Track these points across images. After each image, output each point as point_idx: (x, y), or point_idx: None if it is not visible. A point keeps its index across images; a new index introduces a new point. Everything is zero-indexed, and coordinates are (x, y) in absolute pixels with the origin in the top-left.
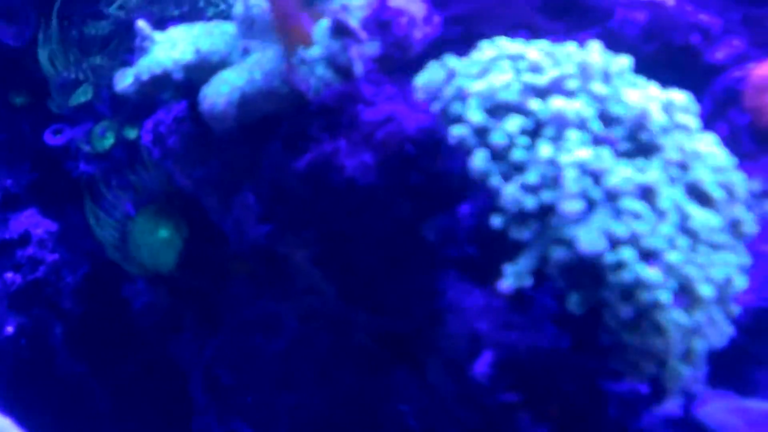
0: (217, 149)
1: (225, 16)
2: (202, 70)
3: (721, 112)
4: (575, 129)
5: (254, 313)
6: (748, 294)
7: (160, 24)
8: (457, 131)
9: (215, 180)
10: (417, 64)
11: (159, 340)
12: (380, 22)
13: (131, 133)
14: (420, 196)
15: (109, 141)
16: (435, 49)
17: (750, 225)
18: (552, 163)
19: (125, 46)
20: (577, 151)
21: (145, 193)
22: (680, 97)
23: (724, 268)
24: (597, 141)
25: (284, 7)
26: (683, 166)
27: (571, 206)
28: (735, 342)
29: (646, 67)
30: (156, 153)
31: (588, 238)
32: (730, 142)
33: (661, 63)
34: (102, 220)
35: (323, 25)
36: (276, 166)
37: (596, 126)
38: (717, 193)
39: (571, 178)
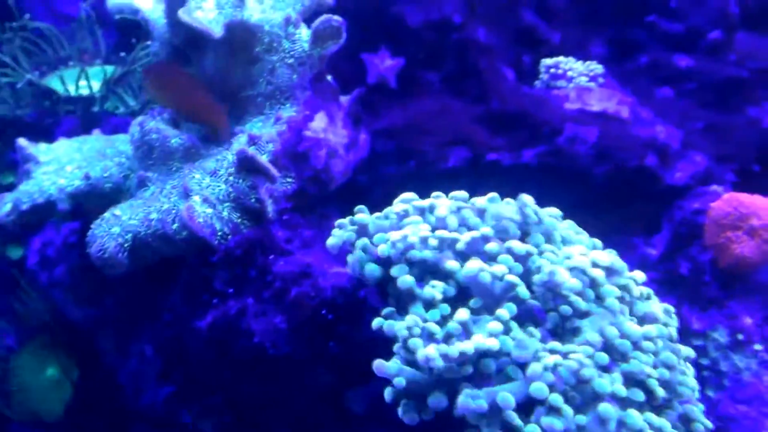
0: (112, 288)
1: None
2: (93, 197)
3: (681, 247)
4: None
5: None
6: None
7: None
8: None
9: (111, 321)
10: (340, 196)
11: None
12: (296, 154)
13: (15, 253)
14: (341, 365)
15: None
16: (364, 170)
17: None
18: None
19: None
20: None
21: (30, 322)
22: (606, 257)
23: None
24: (522, 312)
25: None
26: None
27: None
28: None
29: (599, 192)
30: (43, 279)
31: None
32: (693, 283)
33: (616, 186)
34: None
35: (229, 159)
36: (176, 321)
37: (522, 293)
38: (658, 391)
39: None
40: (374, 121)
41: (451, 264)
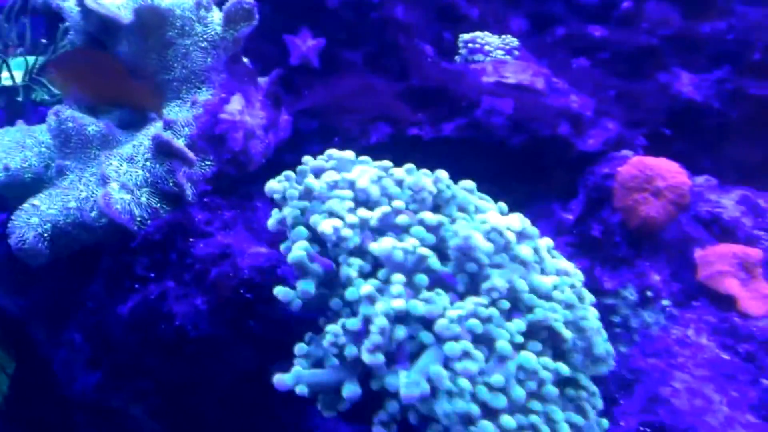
0: (39, 277)
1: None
2: (13, 188)
3: (593, 210)
4: (400, 272)
5: None
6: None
7: None
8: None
9: (41, 311)
10: (265, 175)
11: None
12: (213, 137)
13: None
14: (263, 344)
15: None
16: (289, 149)
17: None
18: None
19: None
20: (393, 300)
21: None
22: (517, 222)
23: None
24: (434, 281)
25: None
26: (520, 304)
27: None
28: None
29: (517, 161)
30: None
31: (407, 384)
32: (605, 244)
33: (532, 155)
34: None
35: (146, 145)
36: (100, 308)
37: (433, 263)
38: (565, 334)
39: (376, 331)
40: (298, 101)
41: (373, 246)
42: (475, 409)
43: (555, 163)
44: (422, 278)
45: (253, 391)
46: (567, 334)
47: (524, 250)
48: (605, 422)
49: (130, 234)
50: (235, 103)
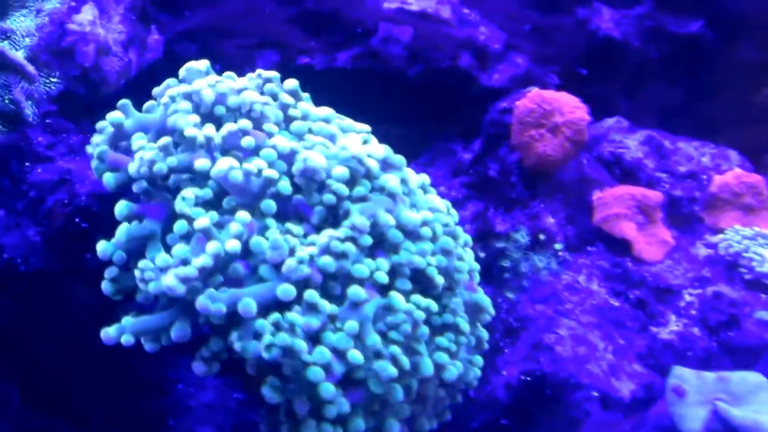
0: None
1: None
2: None
3: (491, 148)
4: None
5: None
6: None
7: None
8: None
9: None
10: (132, 99)
11: None
12: (59, 50)
13: None
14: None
15: None
16: (162, 74)
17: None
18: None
19: None
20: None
21: None
22: (380, 150)
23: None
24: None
25: None
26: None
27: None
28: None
29: (416, 96)
30: None
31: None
32: (500, 184)
33: (431, 89)
34: None
35: None
36: None
37: (283, 188)
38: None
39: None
40: (177, 22)
41: (201, 163)
42: (300, 344)
43: (457, 98)
44: (269, 204)
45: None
46: (439, 279)
47: (391, 181)
48: (479, 359)
49: None
50: (86, 13)
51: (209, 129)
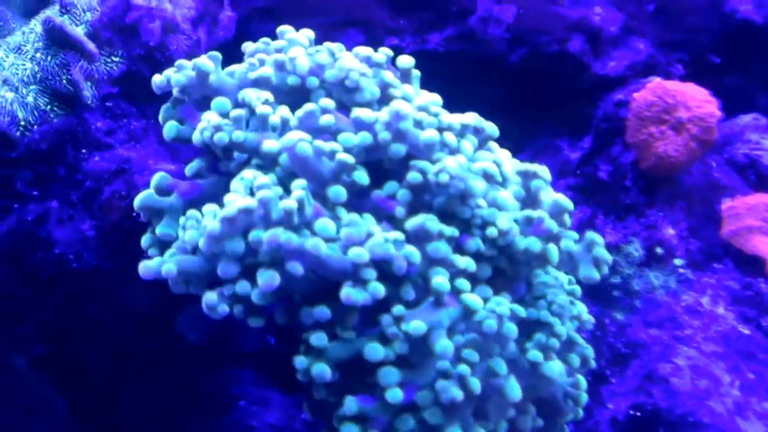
0: None
1: None
2: None
3: (602, 147)
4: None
5: None
6: None
7: None
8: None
9: None
10: None
11: None
12: (122, 27)
13: None
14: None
15: None
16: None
17: None
18: None
19: None
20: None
21: None
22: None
23: None
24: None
25: None
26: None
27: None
28: None
29: (519, 86)
30: None
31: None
32: (612, 188)
33: (537, 77)
34: None
35: (37, 32)
36: None
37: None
38: None
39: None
40: (248, 2)
41: (270, 145)
42: None
43: (565, 88)
44: (338, 191)
45: (156, 342)
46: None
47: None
48: (583, 381)
49: (11, 141)
50: None
51: (283, 110)
